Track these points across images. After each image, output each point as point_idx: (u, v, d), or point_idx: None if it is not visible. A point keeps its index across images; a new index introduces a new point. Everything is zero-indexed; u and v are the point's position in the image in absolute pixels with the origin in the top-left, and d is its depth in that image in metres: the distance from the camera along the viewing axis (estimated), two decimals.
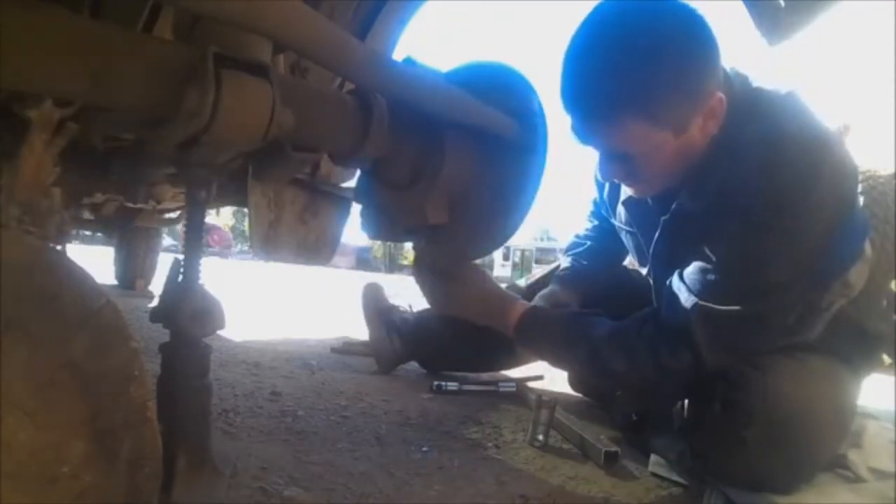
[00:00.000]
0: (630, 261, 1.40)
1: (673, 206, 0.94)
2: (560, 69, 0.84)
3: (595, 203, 1.37)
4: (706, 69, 0.79)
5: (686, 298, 0.86)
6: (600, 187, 1.27)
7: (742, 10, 1.19)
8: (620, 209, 1.15)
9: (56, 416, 0.44)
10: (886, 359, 1.08)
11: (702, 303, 0.83)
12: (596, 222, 1.39)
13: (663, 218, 0.97)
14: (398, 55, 1.13)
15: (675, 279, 0.90)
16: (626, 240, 1.18)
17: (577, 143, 0.89)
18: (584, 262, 1.35)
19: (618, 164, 0.89)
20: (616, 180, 1.01)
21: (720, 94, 0.81)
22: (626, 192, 1.09)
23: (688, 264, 0.89)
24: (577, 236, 1.43)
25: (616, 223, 1.19)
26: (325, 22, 0.61)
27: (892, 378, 1.29)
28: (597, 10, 0.83)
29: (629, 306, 1.02)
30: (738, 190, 0.81)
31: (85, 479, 0.46)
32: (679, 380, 0.90)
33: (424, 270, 1.08)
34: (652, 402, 1.08)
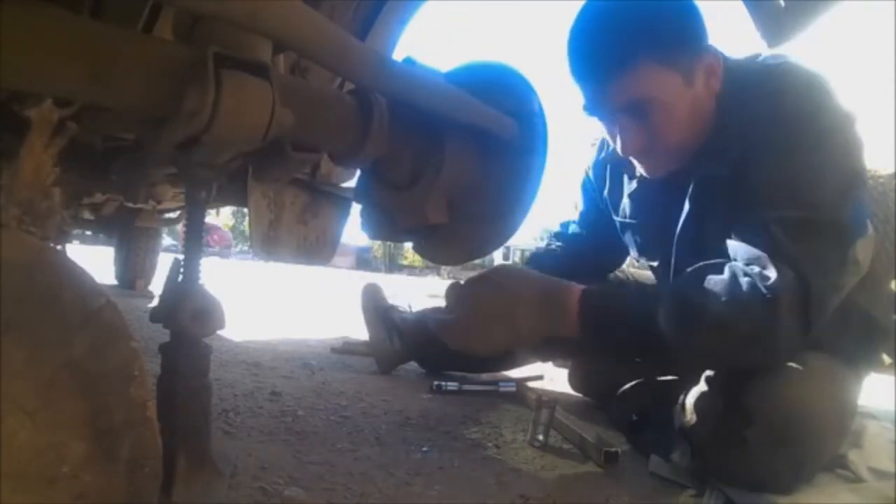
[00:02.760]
0: (630, 261, 1.39)
1: (691, 188, 0.94)
2: (568, 41, 0.89)
3: (581, 214, 1.34)
4: (701, 23, 0.87)
5: (763, 219, 0.79)
6: (596, 190, 1.26)
7: (742, 10, 1.19)
8: (625, 203, 1.13)
9: (56, 416, 0.44)
10: (886, 359, 1.08)
11: (785, 213, 0.78)
12: (577, 229, 1.35)
13: (688, 206, 0.95)
14: (398, 55, 1.13)
15: (747, 219, 0.83)
16: (632, 235, 1.16)
17: (593, 115, 0.92)
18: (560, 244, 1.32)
19: (636, 123, 0.88)
20: (631, 155, 0.95)
21: (716, 51, 0.88)
22: (629, 187, 1.09)
23: (722, 235, 0.84)
24: (558, 237, 1.39)
25: (618, 220, 1.18)
26: (325, 22, 0.61)
27: (892, 378, 1.29)
28: None
29: None
30: (768, 125, 0.83)
31: (85, 479, 0.46)
32: (789, 304, 0.75)
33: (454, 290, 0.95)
34: (765, 356, 0.83)
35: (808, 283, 0.75)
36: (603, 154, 1.22)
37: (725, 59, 0.92)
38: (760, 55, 0.96)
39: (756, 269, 0.77)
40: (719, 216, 0.88)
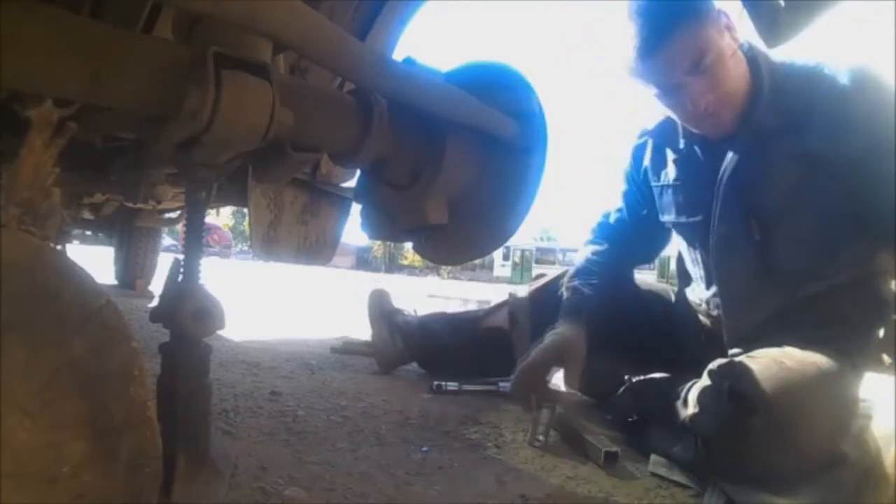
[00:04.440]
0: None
1: (742, 141, 1.04)
2: (628, 34, 1.00)
3: (625, 195, 1.38)
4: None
5: None
6: (636, 170, 1.32)
7: (742, 10, 1.19)
8: (669, 169, 1.22)
9: (56, 416, 0.44)
10: (886, 359, 1.08)
11: None
12: (624, 217, 1.38)
13: (736, 157, 1.06)
14: (398, 55, 1.13)
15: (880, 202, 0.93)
16: (672, 195, 1.22)
17: (665, 98, 1.04)
18: (593, 282, 1.32)
19: (700, 79, 1.00)
20: (703, 111, 1.05)
21: (722, 10, 1.03)
22: (673, 156, 1.19)
23: (789, 183, 0.99)
24: (596, 235, 1.42)
25: (659, 185, 1.25)
26: (325, 22, 0.61)
27: (892, 378, 1.29)
28: None
29: (641, 328, 1.09)
30: (856, 109, 0.94)
31: (85, 479, 0.46)
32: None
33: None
34: None
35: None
36: (643, 140, 1.32)
37: (755, 46, 1.06)
38: (795, 61, 1.07)
39: None
40: (785, 172, 1.01)
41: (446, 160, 0.89)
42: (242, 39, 0.65)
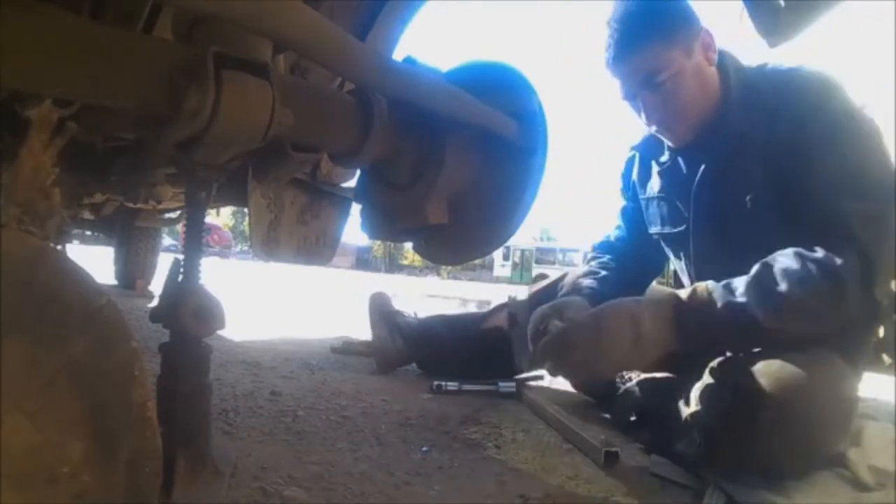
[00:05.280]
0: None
1: (709, 153, 1.09)
2: (607, 37, 1.07)
3: (623, 212, 1.41)
4: (691, 10, 1.08)
5: (834, 206, 0.92)
6: (629, 187, 1.37)
7: (742, 10, 1.19)
8: (653, 181, 1.26)
9: (56, 416, 0.44)
10: (886, 359, 1.08)
11: (855, 203, 0.91)
12: (623, 234, 1.41)
13: (703, 167, 1.10)
14: (398, 55, 1.13)
15: (811, 207, 0.95)
16: (657, 206, 1.26)
17: (626, 100, 1.11)
18: (599, 276, 1.32)
19: (654, 94, 1.06)
20: (655, 125, 1.12)
21: (707, 30, 1.08)
22: (657, 167, 1.22)
23: (750, 192, 1.02)
24: (598, 251, 1.43)
25: (646, 197, 1.28)
26: (325, 22, 0.61)
27: (892, 378, 1.29)
28: None
29: None
30: (810, 116, 0.97)
31: (84, 479, 0.46)
32: (853, 288, 0.88)
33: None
34: (838, 323, 0.96)
35: (873, 268, 0.89)
36: (632, 153, 1.37)
37: (732, 56, 1.11)
38: (768, 62, 1.11)
39: (820, 254, 0.89)
40: (747, 180, 1.04)
41: (446, 160, 0.89)
42: (242, 40, 0.65)
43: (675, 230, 1.22)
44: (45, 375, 0.44)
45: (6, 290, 0.42)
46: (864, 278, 0.89)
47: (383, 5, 1.20)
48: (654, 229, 1.28)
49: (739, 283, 0.93)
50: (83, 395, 0.46)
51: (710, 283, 0.96)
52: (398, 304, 1.84)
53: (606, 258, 1.38)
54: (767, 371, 0.86)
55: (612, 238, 1.44)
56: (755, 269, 0.94)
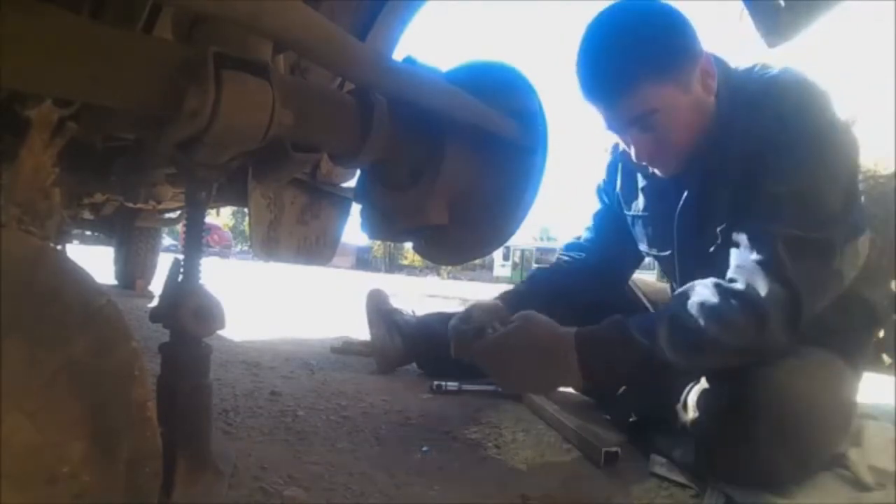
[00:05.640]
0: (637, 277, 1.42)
1: (693, 178, 1.02)
2: (576, 67, 0.96)
3: (595, 216, 1.38)
4: (692, 34, 0.95)
5: (764, 232, 0.86)
6: (609, 192, 1.31)
7: (742, 10, 1.19)
8: (639, 199, 1.19)
9: (56, 416, 0.44)
10: (886, 359, 1.08)
11: (784, 231, 0.85)
12: (592, 236, 1.38)
13: (686, 193, 1.03)
14: (398, 55, 1.13)
15: (743, 226, 0.90)
16: (643, 228, 1.21)
17: (608, 130, 1.01)
18: (568, 266, 1.35)
19: (645, 133, 0.97)
20: (645, 161, 1.03)
21: (709, 55, 0.97)
22: (643, 182, 1.16)
23: (720, 226, 0.95)
24: (566, 250, 1.42)
25: (631, 214, 1.23)
26: (325, 22, 0.61)
27: (892, 378, 1.29)
28: (599, 15, 0.97)
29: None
30: (772, 135, 0.90)
31: (84, 479, 0.46)
32: (776, 318, 0.82)
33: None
34: (758, 360, 0.90)
35: (801, 301, 0.83)
36: (614, 157, 1.29)
37: (725, 65, 1.01)
38: (758, 65, 1.01)
39: (740, 285, 0.84)
40: (719, 207, 0.97)
41: (447, 160, 0.89)
42: (242, 40, 0.65)
43: (662, 253, 1.18)
44: (45, 375, 0.44)
45: (6, 290, 0.42)
46: (789, 312, 0.83)
47: (383, 5, 1.20)
48: (643, 247, 1.25)
49: (650, 321, 0.89)
50: (83, 395, 0.46)
51: (617, 319, 0.93)
52: (398, 305, 1.83)
53: (567, 258, 1.38)
54: (765, 377, 0.84)
55: (581, 239, 1.40)
56: (670, 305, 0.90)
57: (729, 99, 0.98)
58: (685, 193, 1.05)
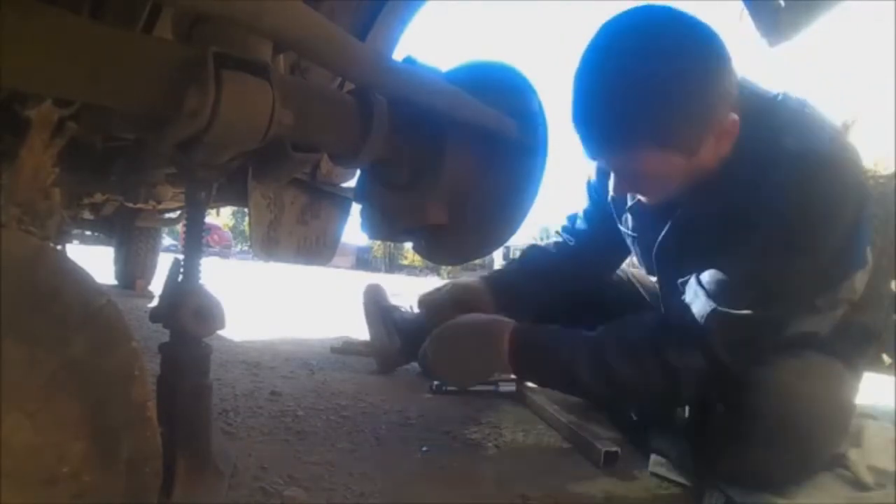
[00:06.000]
0: (631, 261, 1.40)
1: (678, 212, 0.95)
2: (572, 89, 0.85)
3: (586, 212, 1.35)
4: (720, 92, 0.79)
5: (704, 303, 0.84)
6: (599, 193, 1.27)
7: (742, 10, 1.19)
8: (627, 218, 1.15)
9: (56, 416, 0.44)
10: (886, 359, 1.08)
11: (721, 308, 0.82)
12: (583, 225, 1.36)
13: (669, 224, 0.98)
14: (398, 55, 1.13)
15: (692, 283, 0.88)
16: (632, 245, 1.18)
17: (588, 158, 0.91)
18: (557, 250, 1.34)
19: (631, 182, 0.92)
20: (627, 193, 1.03)
21: (734, 116, 0.81)
22: (630, 200, 1.11)
23: (698, 267, 0.88)
24: (565, 229, 1.40)
25: (622, 229, 1.20)
26: (325, 22, 0.61)
27: (892, 378, 1.29)
28: (607, 27, 0.82)
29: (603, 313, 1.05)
30: (760, 203, 0.82)
31: (84, 479, 0.46)
32: (689, 384, 0.86)
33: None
34: (659, 409, 1.03)
35: (724, 371, 0.83)
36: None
37: (746, 92, 0.87)
38: (780, 95, 0.89)
39: (672, 350, 0.85)
40: (696, 246, 0.91)
41: (446, 160, 0.89)
42: (242, 39, 0.65)
43: (650, 276, 1.16)
44: (45, 375, 0.44)
45: (6, 290, 0.42)
46: (706, 379, 0.84)
47: (383, 5, 1.20)
48: (639, 258, 1.21)
49: (581, 341, 0.92)
50: (83, 395, 0.46)
51: (554, 328, 0.97)
52: (398, 304, 1.83)
53: (565, 238, 1.37)
54: (763, 379, 0.83)
55: (575, 226, 1.37)
56: (611, 329, 0.93)
57: (738, 145, 0.85)
58: (668, 224, 0.99)
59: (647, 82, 0.76)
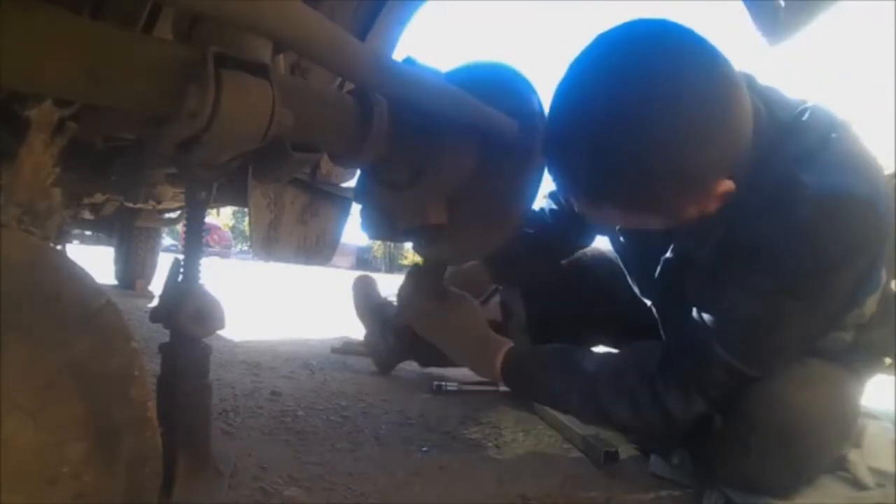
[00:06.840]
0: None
1: (672, 247, 0.93)
2: (549, 106, 0.78)
3: (553, 193, 1.28)
4: (710, 159, 0.67)
5: (713, 351, 0.80)
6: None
7: (742, 10, 1.19)
8: (619, 234, 1.11)
9: (56, 417, 0.44)
10: (887, 359, 1.08)
11: (733, 361, 0.79)
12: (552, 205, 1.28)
13: (669, 254, 0.95)
14: (398, 55, 1.13)
15: (698, 323, 0.82)
16: (624, 265, 1.14)
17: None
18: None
19: (604, 227, 0.95)
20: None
21: (728, 184, 0.71)
22: None
23: (701, 301, 0.84)
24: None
25: (612, 245, 1.17)
26: (325, 22, 0.61)
27: (892, 378, 1.29)
28: (597, 47, 0.72)
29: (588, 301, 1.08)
30: (774, 245, 0.75)
31: (85, 479, 0.46)
32: (688, 427, 0.85)
33: (416, 279, 1.09)
34: (653, 442, 1.05)
35: (716, 412, 0.84)
36: None
37: (770, 106, 0.79)
38: (807, 112, 0.80)
39: (673, 400, 0.82)
40: (695, 281, 0.88)
41: (446, 160, 0.89)
42: (243, 40, 0.65)
43: (644, 298, 1.11)
44: (45, 376, 0.44)
45: (6, 291, 0.42)
46: (699, 418, 0.83)
47: (383, 5, 1.20)
48: (630, 277, 1.15)
49: (577, 370, 0.92)
50: (83, 395, 0.46)
51: (548, 351, 0.98)
52: (390, 299, 1.81)
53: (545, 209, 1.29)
54: (760, 390, 0.82)
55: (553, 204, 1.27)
56: (610, 362, 0.93)
57: (751, 174, 0.75)
58: (668, 254, 0.94)
59: (621, 138, 0.65)
